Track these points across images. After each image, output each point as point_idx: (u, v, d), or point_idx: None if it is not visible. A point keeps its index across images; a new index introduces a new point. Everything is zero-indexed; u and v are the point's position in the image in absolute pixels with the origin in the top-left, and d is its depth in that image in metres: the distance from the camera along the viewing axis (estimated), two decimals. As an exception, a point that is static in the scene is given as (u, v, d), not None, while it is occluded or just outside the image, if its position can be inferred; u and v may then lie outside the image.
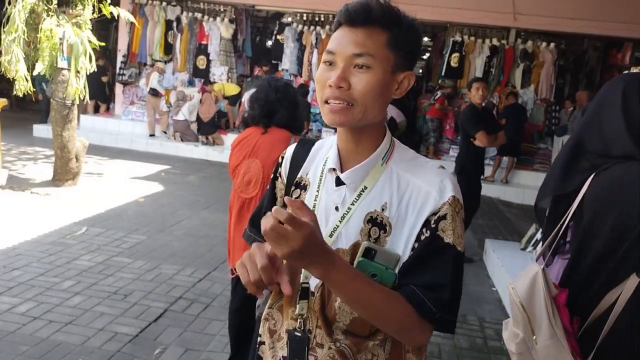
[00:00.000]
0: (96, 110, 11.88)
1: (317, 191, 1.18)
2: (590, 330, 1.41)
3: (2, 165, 6.57)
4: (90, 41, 6.49)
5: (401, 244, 1.09)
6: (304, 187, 1.22)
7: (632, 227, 1.36)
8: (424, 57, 13.38)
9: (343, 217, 1.12)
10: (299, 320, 1.14)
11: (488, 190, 9.22)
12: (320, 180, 1.18)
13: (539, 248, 1.71)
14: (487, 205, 8.45)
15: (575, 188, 1.55)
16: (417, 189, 1.09)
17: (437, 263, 1.05)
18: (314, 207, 1.17)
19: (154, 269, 4.36)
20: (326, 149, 1.23)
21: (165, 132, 10.86)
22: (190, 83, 11.46)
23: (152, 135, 10.76)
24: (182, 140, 10.51)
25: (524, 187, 9.30)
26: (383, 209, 1.10)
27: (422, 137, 10.67)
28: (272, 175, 1.32)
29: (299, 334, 1.14)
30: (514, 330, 1.51)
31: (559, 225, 1.58)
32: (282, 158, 1.31)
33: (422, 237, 1.07)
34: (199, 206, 6.51)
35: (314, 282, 1.15)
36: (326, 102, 1.07)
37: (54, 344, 3.07)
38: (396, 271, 1.08)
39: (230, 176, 2.64)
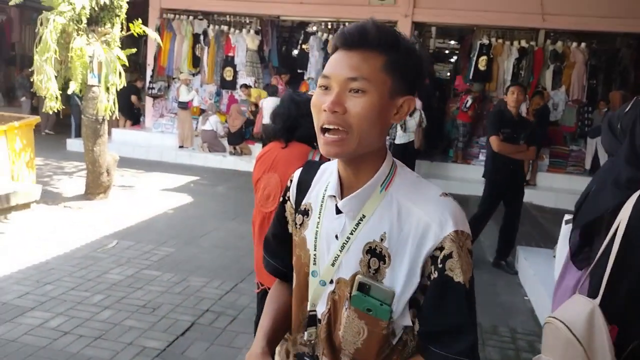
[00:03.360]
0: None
1: (319, 218, 1.16)
2: None
3: (37, 181, 6.76)
4: (119, 58, 6.65)
5: (401, 276, 1.05)
6: (306, 213, 1.21)
7: None
8: (452, 60, 13.23)
9: (343, 247, 1.10)
10: (309, 346, 1.20)
11: (519, 195, 9.03)
12: (321, 206, 1.16)
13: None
14: (519, 210, 8.26)
15: (616, 203, 1.54)
16: (417, 219, 1.04)
17: (452, 305, 1.03)
18: (315, 234, 1.16)
19: (182, 281, 4.40)
20: (329, 173, 1.20)
21: (185, 147, 10.90)
22: (218, 94, 11.60)
23: (181, 147, 10.92)
24: (209, 151, 10.64)
25: (557, 190, 9.06)
26: (382, 239, 1.06)
27: (451, 142, 10.55)
28: (280, 198, 1.31)
29: (308, 359, 1.20)
30: None
31: (604, 243, 1.54)
32: (291, 181, 1.28)
33: (432, 277, 1.04)
34: (226, 217, 6.56)
35: (320, 310, 1.16)
36: (322, 130, 1.03)
37: (84, 358, 3.13)
38: (393, 307, 1.05)
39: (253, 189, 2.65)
